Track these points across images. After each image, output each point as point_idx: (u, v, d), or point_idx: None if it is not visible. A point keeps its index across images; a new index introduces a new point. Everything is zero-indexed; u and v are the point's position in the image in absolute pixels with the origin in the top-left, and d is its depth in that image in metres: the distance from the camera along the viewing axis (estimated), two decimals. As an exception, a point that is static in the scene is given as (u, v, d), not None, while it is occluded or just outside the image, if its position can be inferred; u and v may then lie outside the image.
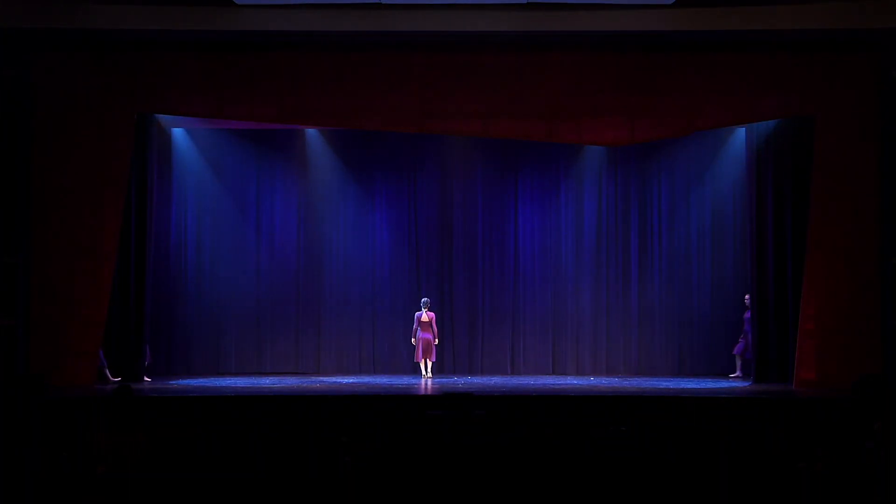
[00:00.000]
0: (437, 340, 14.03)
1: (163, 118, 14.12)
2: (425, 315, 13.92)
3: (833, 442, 6.19)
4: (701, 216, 15.12)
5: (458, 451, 6.67)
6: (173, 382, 13.34)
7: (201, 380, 13.82)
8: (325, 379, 14.11)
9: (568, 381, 13.80)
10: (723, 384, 13.29)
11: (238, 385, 13.06)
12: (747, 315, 13.89)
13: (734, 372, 14.07)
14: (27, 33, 12.10)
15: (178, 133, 14.89)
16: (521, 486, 6.36)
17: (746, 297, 14.00)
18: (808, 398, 11.36)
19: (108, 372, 12.98)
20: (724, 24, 11.96)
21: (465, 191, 15.50)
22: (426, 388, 12.80)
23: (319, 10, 11.93)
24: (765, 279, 13.57)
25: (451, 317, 15.32)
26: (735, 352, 14.04)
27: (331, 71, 12.78)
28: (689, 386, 13.12)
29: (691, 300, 15.03)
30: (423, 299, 14.12)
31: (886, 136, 12.28)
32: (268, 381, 13.62)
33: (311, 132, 15.25)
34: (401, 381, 13.85)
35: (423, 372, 13.88)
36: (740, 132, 14.43)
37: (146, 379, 13.23)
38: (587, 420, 9.43)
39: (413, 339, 14.06)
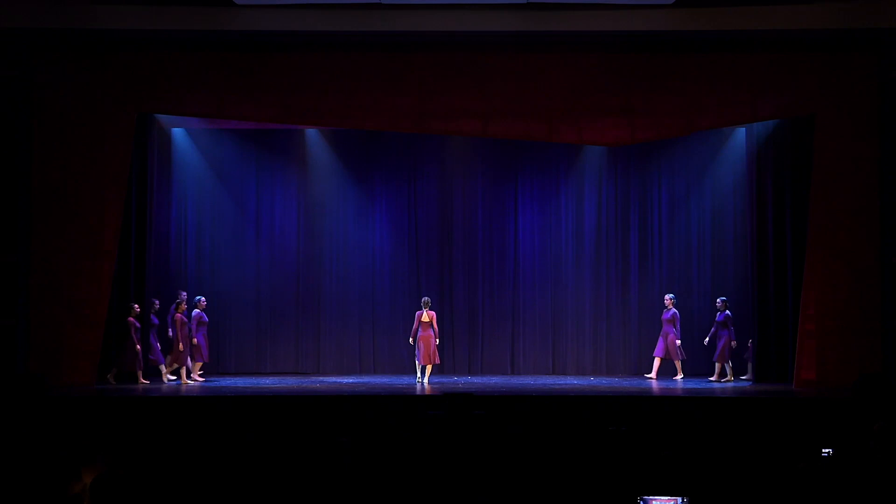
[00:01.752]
0: (437, 340, 13.69)
1: (163, 118, 14.14)
2: (426, 314, 13.61)
3: (833, 442, 6.19)
4: (701, 216, 15.12)
5: (458, 451, 6.67)
6: (173, 382, 13.33)
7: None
8: (325, 379, 14.11)
9: (568, 381, 13.80)
10: (723, 384, 13.27)
11: (238, 385, 13.07)
12: (666, 315, 13.86)
13: (649, 372, 14.01)
14: (27, 33, 12.11)
15: (178, 133, 14.88)
16: (521, 486, 6.36)
17: (667, 296, 14.01)
18: (808, 398, 11.37)
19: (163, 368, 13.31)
20: (724, 24, 11.97)
21: (465, 191, 15.49)
22: (423, 390, 12.75)
23: (319, 10, 11.94)
24: (765, 279, 13.57)
25: (451, 317, 15.31)
26: (655, 354, 13.99)
27: (331, 71, 12.78)
28: (689, 386, 13.13)
29: (691, 300, 15.02)
30: (423, 298, 13.91)
31: (886, 136, 12.28)
32: (268, 381, 13.61)
33: (311, 132, 15.25)
34: (401, 381, 13.84)
35: (419, 376, 13.52)
36: (740, 132, 14.43)
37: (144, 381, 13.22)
38: (587, 420, 9.44)
39: (412, 340, 13.74)
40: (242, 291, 15.17)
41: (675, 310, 13.87)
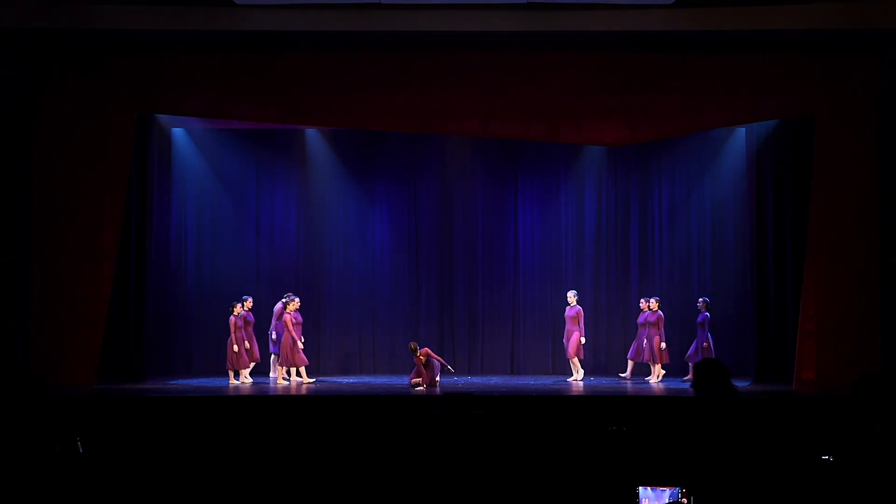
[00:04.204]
0: (438, 377, 12.80)
1: (163, 118, 14.13)
2: (420, 356, 12.76)
3: (833, 443, 6.19)
4: (701, 216, 15.11)
5: (458, 451, 6.67)
6: (173, 382, 13.33)
7: (201, 380, 13.81)
8: (325, 379, 14.10)
9: (568, 381, 13.79)
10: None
11: (238, 385, 13.06)
12: (570, 312, 13.65)
13: (571, 375, 13.71)
14: (27, 33, 12.10)
15: (178, 133, 14.88)
16: (521, 486, 6.36)
17: (570, 292, 13.82)
18: (808, 398, 11.37)
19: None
20: (724, 24, 11.96)
21: (465, 191, 15.49)
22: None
23: (319, 10, 11.93)
24: (765, 279, 13.57)
25: (451, 317, 15.31)
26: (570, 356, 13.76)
27: (331, 71, 12.78)
28: (689, 386, 13.11)
29: (691, 300, 15.00)
30: (410, 343, 13.14)
31: (886, 136, 12.28)
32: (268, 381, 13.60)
33: (311, 132, 15.24)
34: (401, 381, 13.82)
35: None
36: (740, 132, 14.43)
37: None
38: (587, 420, 9.43)
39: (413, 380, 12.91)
40: (242, 291, 15.14)
41: (579, 307, 13.69)
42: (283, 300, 13.39)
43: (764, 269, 13.58)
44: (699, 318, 13.55)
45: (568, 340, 13.65)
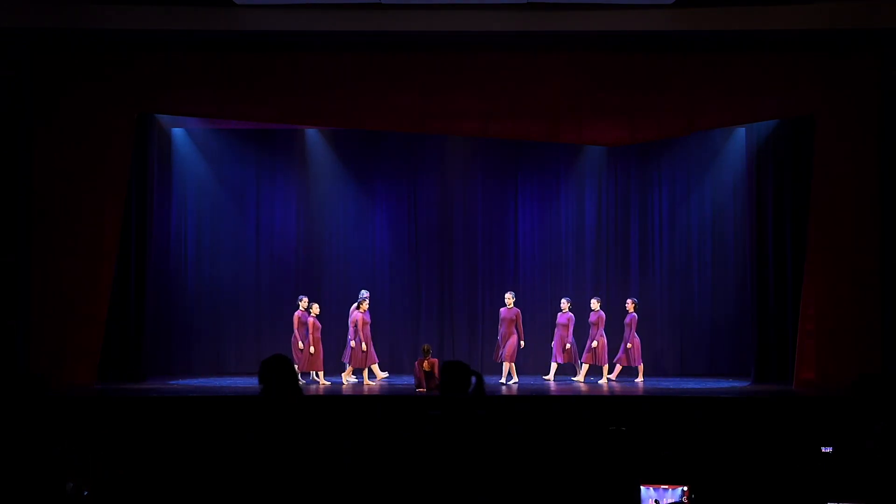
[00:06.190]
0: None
1: (163, 118, 14.14)
2: (426, 363, 12.49)
3: (833, 442, 6.20)
4: (701, 216, 15.11)
5: (458, 451, 6.68)
6: (173, 382, 13.33)
7: (201, 380, 13.81)
8: (325, 379, 14.09)
9: (568, 381, 13.79)
10: (723, 384, 13.26)
11: (238, 385, 13.06)
12: (509, 315, 13.29)
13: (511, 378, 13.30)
14: (27, 33, 12.11)
15: (178, 133, 14.89)
16: (521, 486, 6.36)
17: (508, 293, 13.50)
18: (808, 398, 11.37)
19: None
20: (724, 24, 11.97)
21: (465, 191, 15.48)
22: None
23: (319, 10, 11.94)
24: (765, 279, 13.57)
25: (451, 317, 15.30)
26: (500, 359, 13.30)
27: (331, 71, 12.79)
28: (689, 386, 13.12)
29: (692, 300, 15.02)
30: (423, 345, 12.97)
31: (886, 136, 12.28)
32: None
33: (311, 132, 15.24)
34: (401, 381, 13.83)
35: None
36: (740, 132, 14.43)
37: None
38: (587, 420, 9.43)
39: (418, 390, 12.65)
40: (242, 291, 15.18)
41: (517, 309, 13.40)
42: (359, 300, 13.29)
43: (764, 268, 13.58)
44: (626, 319, 13.56)
45: (504, 343, 13.21)
